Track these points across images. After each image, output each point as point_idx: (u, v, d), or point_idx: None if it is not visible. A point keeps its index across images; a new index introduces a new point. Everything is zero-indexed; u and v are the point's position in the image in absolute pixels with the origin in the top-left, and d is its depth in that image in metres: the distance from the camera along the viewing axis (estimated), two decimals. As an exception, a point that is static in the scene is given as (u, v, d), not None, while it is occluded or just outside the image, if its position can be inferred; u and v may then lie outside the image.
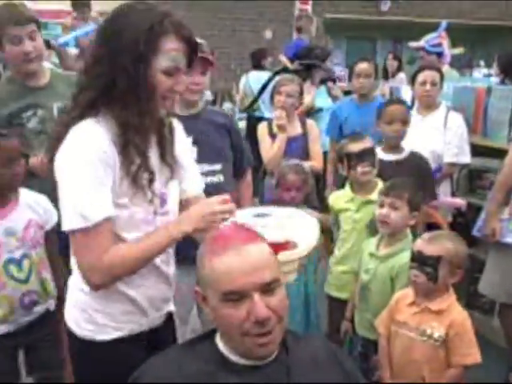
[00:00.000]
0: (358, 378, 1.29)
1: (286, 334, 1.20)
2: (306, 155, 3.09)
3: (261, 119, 6.04)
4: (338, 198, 2.68)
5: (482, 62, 8.01)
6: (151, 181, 1.39)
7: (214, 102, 6.98)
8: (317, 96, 4.05)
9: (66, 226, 1.32)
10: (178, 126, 1.61)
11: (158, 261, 1.47)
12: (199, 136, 2.24)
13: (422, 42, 5.24)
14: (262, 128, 3.23)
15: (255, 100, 4.97)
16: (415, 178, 2.59)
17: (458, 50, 5.82)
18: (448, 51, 5.28)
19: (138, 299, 1.46)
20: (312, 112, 4.25)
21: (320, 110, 4.23)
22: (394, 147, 2.79)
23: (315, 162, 3.10)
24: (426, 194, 2.73)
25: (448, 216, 3.24)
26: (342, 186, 2.73)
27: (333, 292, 2.69)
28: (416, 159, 2.80)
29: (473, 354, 1.91)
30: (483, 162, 3.42)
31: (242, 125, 5.29)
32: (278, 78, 3.40)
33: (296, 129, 3.16)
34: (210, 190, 2.18)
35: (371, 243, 2.38)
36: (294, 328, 2.35)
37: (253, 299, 1.09)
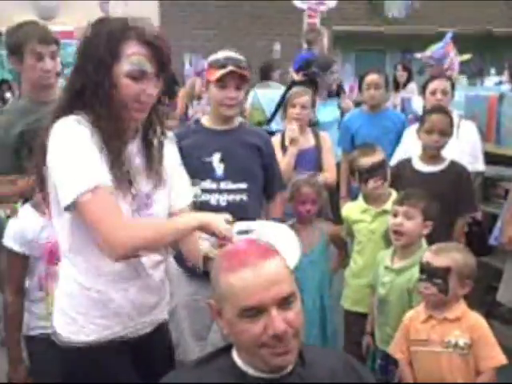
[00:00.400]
0: None
1: (302, 348, 1.20)
2: (318, 168, 3.08)
3: (269, 133, 6.08)
4: (352, 209, 2.68)
5: (492, 70, 7.98)
6: (131, 181, 1.42)
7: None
8: (324, 108, 4.04)
9: (73, 195, 1.30)
10: (170, 141, 1.63)
11: (146, 265, 1.49)
12: (227, 153, 2.25)
13: (428, 53, 5.23)
14: (274, 141, 3.23)
15: (273, 115, 4.93)
16: (455, 188, 2.59)
17: (466, 57, 5.81)
18: (456, 59, 5.26)
19: (119, 303, 1.46)
20: (311, 125, 4.22)
21: (316, 123, 4.20)
22: (433, 157, 2.72)
23: (329, 175, 3.08)
24: (466, 205, 2.71)
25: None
26: (356, 198, 2.73)
27: (349, 305, 2.67)
28: (456, 169, 2.72)
29: (499, 355, 1.89)
30: (497, 171, 3.40)
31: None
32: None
33: (309, 141, 3.15)
34: (232, 209, 2.19)
35: (386, 256, 2.37)
36: (310, 342, 2.36)
37: (270, 314, 1.09)
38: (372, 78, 3.54)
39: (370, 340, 2.49)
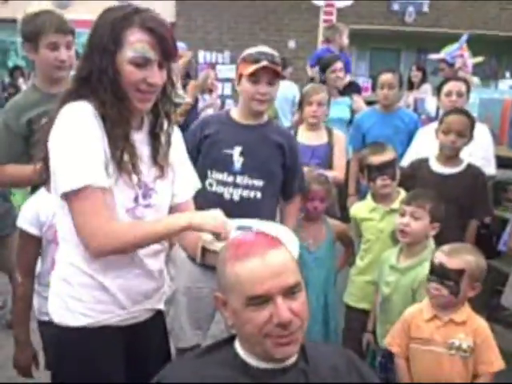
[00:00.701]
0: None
1: (305, 342, 1.21)
2: (328, 165, 3.07)
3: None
4: (361, 208, 2.68)
5: (507, 74, 7.92)
6: (134, 166, 1.42)
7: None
8: (335, 106, 4.02)
9: (64, 188, 1.32)
10: (177, 133, 1.64)
11: (141, 253, 1.48)
12: (248, 147, 2.24)
13: (442, 54, 5.20)
14: None
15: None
16: (471, 192, 2.57)
17: (478, 60, 5.77)
18: (469, 61, 5.24)
19: (112, 290, 1.46)
20: None
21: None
22: (450, 159, 2.70)
23: (338, 173, 3.07)
24: (480, 208, 2.69)
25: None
26: (364, 197, 2.73)
27: (352, 302, 2.68)
28: (473, 172, 2.70)
29: (498, 360, 1.90)
30: (509, 174, 3.38)
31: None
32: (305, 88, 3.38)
33: (322, 138, 3.15)
34: (244, 205, 2.21)
35: (391, 255, 2.37)
36: (312, 339, 2.36)
37: (276, 303, 1.11)
38: (386, 77, 3.52)
39: (370, 337, 2.50)
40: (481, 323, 1.94)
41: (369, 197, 2.65)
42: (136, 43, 1.36)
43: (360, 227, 2.67)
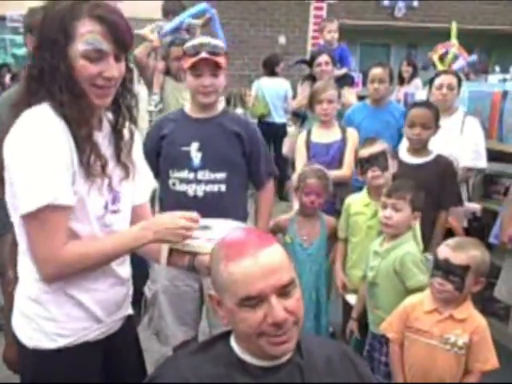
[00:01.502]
0: (372, 379, 1.30)
1: (300, 337, 1.20)
2: (341, 162, 3.05)
3: (272, 125, 6.09)
4: (355, 201, 2.68)
5: (497, 68, 7.95)
6: (103, 167, 1.34)
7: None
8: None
9: (22, 210, 1.24)
10: (137, 133, 1.55)
11: (113, 263, 1.42)
12: (205, 141, 2.21)
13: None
14: (300, 138, 3.23)
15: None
16: (439, 181, 2.61)
17: (471, 58, 5.80)
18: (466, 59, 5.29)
19: (88, 304, 1.39)
20: (299, 113, 4.25)
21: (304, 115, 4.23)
22: (419, 150, 2.78)
23: (345, 170, 3.03)
24: (449, 199, 2.74)
25: (463, 221, 3.22)
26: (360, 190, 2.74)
27: (348, 295, 2.70)
28: (442, 162, 2.77)
29: (493, 359, 1.90)
30: (498, 167, 3.40)
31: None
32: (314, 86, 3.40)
33: (336, 135, 3.14)
34: (209, 199, 2.18)
35: (376, 243, 2.38)
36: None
37: (270, 302, 1.09)
38: (376, 71, 3.53)
39: (354, 326, 2.51)
40: (480, 321, 1.94)
41: (364, 191, 2.67)
42: (86, 34, 1.25)
43: (349, 219, 2.67)
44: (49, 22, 1.28)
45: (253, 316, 1.10)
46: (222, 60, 2.16)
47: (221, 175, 2.22)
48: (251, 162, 2.32)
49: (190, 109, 2.33)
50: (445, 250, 1.94)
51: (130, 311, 1.60)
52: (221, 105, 2.35)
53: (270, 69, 6.25)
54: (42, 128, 1.24)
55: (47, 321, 1.36)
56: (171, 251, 1.46)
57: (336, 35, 5.00)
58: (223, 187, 2.22)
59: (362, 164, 2.58)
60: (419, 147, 2.78)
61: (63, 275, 1.31)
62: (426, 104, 2.90)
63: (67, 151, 1.27)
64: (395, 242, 2.27)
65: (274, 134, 5.86)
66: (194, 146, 2.22)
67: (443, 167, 2.75)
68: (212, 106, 2.27)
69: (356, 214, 2.64)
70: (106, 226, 1.39)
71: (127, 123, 1.46)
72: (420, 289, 2.11)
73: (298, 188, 2.69)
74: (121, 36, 1.29)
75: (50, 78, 1.27)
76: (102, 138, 1.40)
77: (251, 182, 2.42)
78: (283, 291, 1.11)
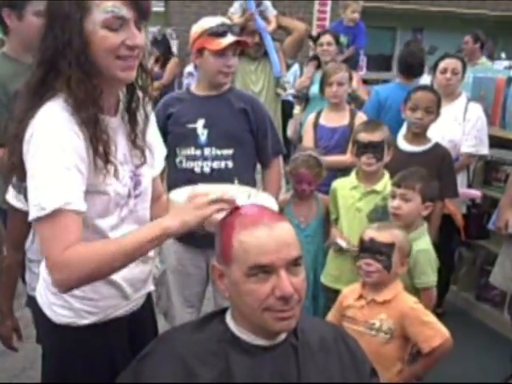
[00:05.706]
0: (365, 358, 1.30)
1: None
2: (345, 149, 2.99)
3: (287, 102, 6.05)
4: (343, 184, 2.62)
5: (503, 54, 7.88)
6: (112, 154, 1.26)
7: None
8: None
9: (32, 216, 1.17)
10: (151, 111, 1.49)
11: None
12: (211, 118, 2.22)
13: None
14: (309, 119, 3.20)
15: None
16: (436, 171, 2.56)
17: None
18: None
19: (119, 282, 1.39)
20: (298, 95, 4.24)
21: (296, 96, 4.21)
22: (417, 137, 2.73)
23: (348, 156, 2.88)
24: (445, 190, 2.68)
25: (462, 207, 3.21)
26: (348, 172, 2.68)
27: (329, 282, 2.61)
28: (440, 152, 2.72)
29: (439, 334, 1.83)
30: (500, 154, 3.38)
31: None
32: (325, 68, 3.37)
33: (343, 119, 3.09)
34: (216, 176, 2.17)
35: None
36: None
37: (279, 275, 1.09)
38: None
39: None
40: (405, 304, 1.91)
41: (353, 174, 2.60)
42: (104, 2, 1.16)
43: (337, 202, 2.61)
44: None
45: (260, 288, 1.09)
46: (245, 39, 2.21)
47: (227, 152, 2.22)
48: (258, 138, 2.32)
49: (196, 87, 2.33)
50: (369, 232, 2.00)
51: (152, 287, 1.62)
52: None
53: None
54: (53, 131, 1.17)
55: (78, 299, 1.36)
56: None
57: (358, 16, 5.02)
58: (230, 164, 2.22)
59: (359, 147, 2.50)
60: (419, 132, 2.72)
61: (70, 283, 1.17)
62: (431, 88, 2.85)
63: (81, 148, 1.20)
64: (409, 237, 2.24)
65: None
66: (200, 122, 2.22)
67: (440, 157, 2.71)
68: (223, 86, 2.27)
69: (343, 197, 2.57)
70: (130, 211, 1.38)
71: (141, 103, 1.39)
72: (427, 289, 2.15)
73: (290, 173, 2.68)
74: (140, 2, 1.21)
75: (61, 55, 1.18)
76: (118, 123, 1.34)
77: (258, 161, 2.41)
78: (291, 267, 1.11)
